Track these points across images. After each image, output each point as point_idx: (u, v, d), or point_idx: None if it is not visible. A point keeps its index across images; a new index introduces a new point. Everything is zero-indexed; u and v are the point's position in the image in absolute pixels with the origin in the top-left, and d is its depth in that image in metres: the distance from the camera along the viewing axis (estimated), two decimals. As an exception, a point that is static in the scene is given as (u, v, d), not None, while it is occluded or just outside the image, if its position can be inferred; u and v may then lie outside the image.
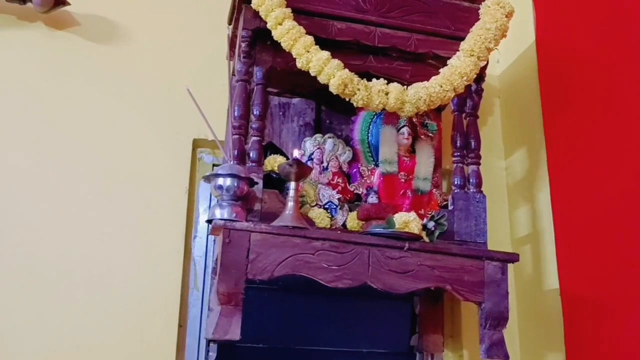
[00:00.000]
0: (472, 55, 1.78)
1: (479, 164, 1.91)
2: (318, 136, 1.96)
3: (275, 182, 1.77)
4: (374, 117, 1.96)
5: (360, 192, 1.90)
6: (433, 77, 1.77)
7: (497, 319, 1.70)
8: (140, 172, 2.07)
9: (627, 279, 1.74)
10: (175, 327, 1.98)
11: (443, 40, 1.87)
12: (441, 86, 1.75)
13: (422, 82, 1.77)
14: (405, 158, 1.94)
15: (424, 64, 1.91)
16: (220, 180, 1.65)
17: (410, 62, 1.91)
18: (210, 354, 1.94)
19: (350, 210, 1.85)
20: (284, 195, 1.71)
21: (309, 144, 1.94)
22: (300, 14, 1.75)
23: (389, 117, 1.93)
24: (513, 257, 1.76)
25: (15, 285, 1.90)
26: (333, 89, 1.69)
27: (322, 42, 1.74)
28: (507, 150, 2.40)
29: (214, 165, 2.18)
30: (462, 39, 1.83)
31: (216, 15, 2.15)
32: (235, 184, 1.65)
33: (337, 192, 1.87)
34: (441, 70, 1.79)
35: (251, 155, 1.74)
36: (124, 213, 2.02)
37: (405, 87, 1.75)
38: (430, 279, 1.68)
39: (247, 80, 1.79)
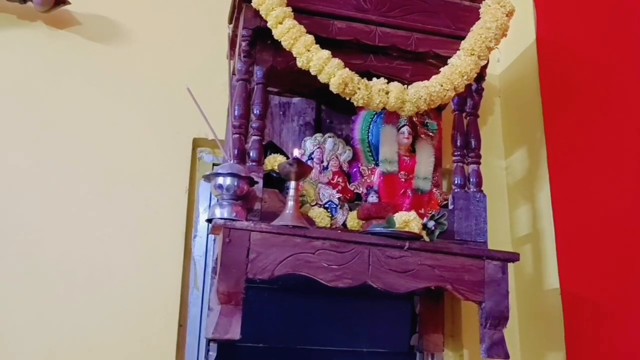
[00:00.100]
0: (473, 55, 1.78)
1: (479, 163, 1.91)
2: (318, 135, 1.96)
3: (276, 182, 1.77)
4: (374, 116, 1.96)
5: (360, 192, 1.90)
6: (433, 77, 1.77)
7: (497, 319, 1.70)
8: (140, 172, 2.07)
9: (628, 279, 1.74)
10: (175, 326, 1.97)
11: (443, 39, 1.87)
12: (441, 85, 1.74)
13: (422, 81, 1.77)
14: (405, 157, 1.93)
15: (425, 63, 1.91)
16: (221, 180, 1.65)
17: (410, 61, 1.91)
18: (211, 353, 1.93)
19: (351, 209, 1.85)
20: (284, 195, 1.71)
21: (309, 144, 1.94)
22: (300, 13, 1.75)
23: (389, 116, 1.92)
24: (513, 257, 1.76)
25: (15, 285, 1.90)
26: (333, 88, 1.69)
27: (323, 42, 1.73)
28: (507, 150, 2.39)
29: (214, 164, 2.18)
30: (463, 38, 1.83)
31: (216, 14, 2.15)
32: (236, 183, 1.65)
33: (337, 192, 1.87)
34: (441, 69, 1.79)
35: (251, 154, 1.74)
36: (123, 212, 2.02)
37: (405, 86, 1.75)
38: (430, 279, 1.68)
39: (247, 79, 1.79)
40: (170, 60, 2.20)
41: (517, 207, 2.28)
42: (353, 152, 1.96)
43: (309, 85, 1.82)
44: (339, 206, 1.84)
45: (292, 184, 1.67)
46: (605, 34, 1.93)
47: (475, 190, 1.88)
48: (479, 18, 1.85)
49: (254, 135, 1.76)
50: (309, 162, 1.89)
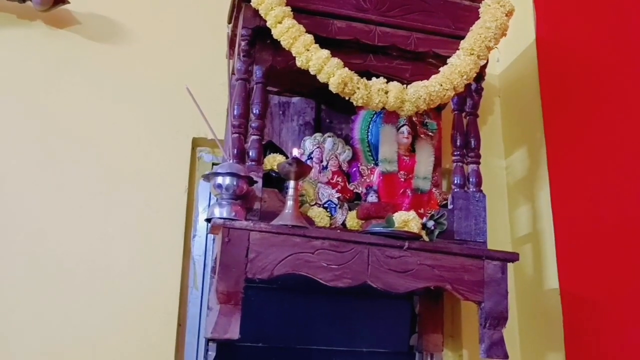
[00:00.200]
0: (472, 54, 1.78)
1: (478, 163, 1.91)
2: (318, 135, 1.96)
3: (275, 181, 1.77)
4: (373, 116, 1.96)
5: (359, 191, 1.90)
6: (433, 76, 1.77)
7: (496, 319, 1.70)
8: (139, 171, 2.07)
9: (627, 279, 1.74)
10: (174, 326, 1.97)
11: (443, 39, 1.87)
12: (441, 85, 1.74)
13: (421, 81, 1.77)
14: (405, 157, 1.93)
15: (424, 63, 1.91)
16: (220, 179, 1.65)
17: (410, 61, 1.90)
18: (210, 353, 1.94)
19: (350, 209, 1.85)
20: (284, 194, 1.71)
21: (309, 143, 1.94)
22: (300, 12, 1.75)
23: (388, 116, 1.92)
24: (513, 257, 1.76)
25: (15, 285, 1.90)
26: (333, 87, 1.68)
27: (322, 41, 1.73)
28: (507, 150, 2.39)
29: (213, 164, 2.18)
30: (463, 37, 1.83)
31: (216, 14, 2.15)
32: (235, 183, 1.65)
33: (337, 191, 1.87)
34: (441, 69, 1.79)
35: (251, 154, 1.74)
36: (123, 212, 2.02)
37: (405, 86, 1.75)
38: (430, 279, 1.68)
39: (246, 79, 1.79)
40: (169, 59, 2.19)
41: (517, 207, 2.28)
42: (352, 152, 1.96)
43: (308, 85, 1.82)
44: (339, 206, 1.84)
45: (292, 183, 1.67)
46: (605, 33, 1.93)
47: (474, 190, 1.88)
48: (478, 18, 1.85)
49: (254, 134, 1.75)
50: (309, 162, 1.89)
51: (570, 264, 1.97)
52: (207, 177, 1.70)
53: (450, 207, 1.86)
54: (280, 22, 1.68)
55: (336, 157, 1.93)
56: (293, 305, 2.07)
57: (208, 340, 1.95)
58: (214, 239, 1.93)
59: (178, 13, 2.26)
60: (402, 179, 1.90)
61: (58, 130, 2.05)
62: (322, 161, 1.92)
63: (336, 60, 1.68)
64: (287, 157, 1.83)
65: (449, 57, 1.81)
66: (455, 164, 1.91)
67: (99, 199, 2.02)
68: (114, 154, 2.07)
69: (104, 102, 2.11)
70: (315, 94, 2.01)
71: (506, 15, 1.83)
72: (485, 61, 1.83)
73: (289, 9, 1.71)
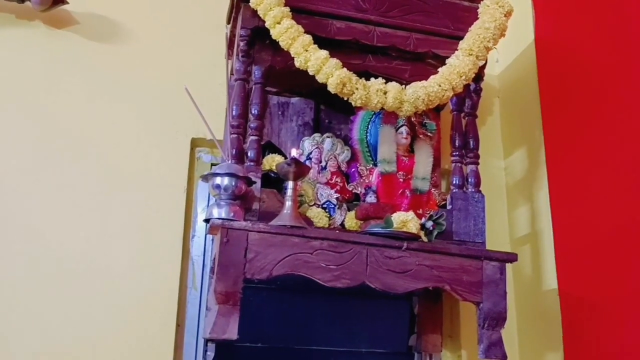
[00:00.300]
0: (471, 55, 1.78)
1: (477, 163, 1.91)
2: (317, 135, 1.96)
3: (274, 182, 1.77)
4: (372, 116, 1.96)
5: (358, 192, 1.90)
6: (432, 77, 1.77)
7: (495, 319, 1.70)
8: (138, 171, 2.07)
9: (626, 279, 1.74)
10: (173, 326, 1.97)
11: (442, 39, 1.87)
12: (440, 85, 1.74)
13: (420, 81, 1.77)
14: (404, 157, 1.93)
15: (423, 64, 1.91)
16: (218, 180, 1.65)
17: (409, 61, 1.90)
18: (208, 353, 1.94)
19: (349, 209, 1.85)
20: (283, 195, 1.70)
21: (308, 144, 1.94)
22: (299, 13, 1.75)
23: (387, 116, 1.92)
24: (511, 257, 1.76)
25: (14, 285, 1.90)
26: (331, 88, 1.68)
27: (322, 42, 1.73)
28: (506, 150, 2.39)
29: (212, 164, 2.18)
30: (462, 38, 1.83)
31: (215, 14, 2.15)
32: (233, 183, 1.64)
33: (336, 192, 1.87)
34: (440, 69, 1.79)
35: (249, 154, 1.74)
36: (122, 212, 2.02)
37: (403, 86, 1.75)
38: (428, 279, 1.68)
39: (245, 79, 1.79)
40: (168, 59, 2.19)
41: (516, 207, 2.28)
42: (351, 152, 1.96)
43: (307, 85, 1.82)
44: (337, 206, 1.84)
45: (290, 184, 1.67)
46: (604, 33, 1.92)
47: (473, 190, 1.88)
48: (477, 18, 1.85)
49: (252, 135, 1.75)
50: (308, 162, 1.89)
51: (569, 265, 1.97)
52: (205, 178, 1.70)
53: (449, 207, 1.86)
54: (279, 23, 1.68)
55: (335, 157, 1.93)
56: (292, 305, 2.07)
57: (207, 341, 1.95)
58: (212, 240, 1.93)
59: (177, 13, 2.26)
60: (401, 180, 1.90)
61: (57, 130, 2.05)
62: (321, 161, 1.92)
63: (335, 60, 1.68)
64: (286, 158, 1.83)
65: (448, 57, 1.82)
66: (454, 164, 1.91)
67: (98, 199, 2.02)
68: (113, 154, 2.07)
69: (103, 102, 2.11)
70: (314, 95, 2.01)
71: (505, 16, 1.83)
72: (484, 62, 1.83)
73: (287, 9, 1.71)
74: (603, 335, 1.81)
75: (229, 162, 1.71)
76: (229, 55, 1.98)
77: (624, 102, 1.81)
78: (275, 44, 1.72)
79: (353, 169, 1.93)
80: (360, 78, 1.72)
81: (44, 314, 1.89)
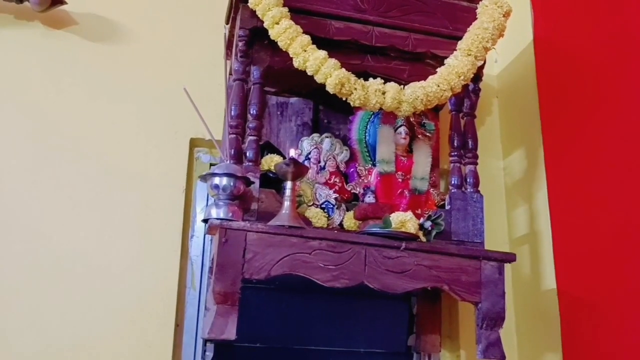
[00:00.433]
0: (470, 55, 1.78)
1: (476, 163, 1.91)
2: (315, 136, 1.96)
3: (273, 182, 1.77)
4: (371, 116, 1.96)
5: (357, 192, 1.90)
6: (430, 77, 1.77)
7: (493, 319, 1.70)
8: (137, 172, 2.07)
9: (624, 279, 1.74)
10: (172, 326, 1.97)
11: (441, 39, 1.87)
12: (438, 85, 1.74)
13: (419, 81, 1.77)
14: (402, 158, 1.93)
15: (422, 64, 1.91)
16: (217, 180, 1.65)
17: (408, 61, 1.91)
18: (207, 353, 1.94)
19: (347, 209, 1.85)
20: (281, 195, 1.70)
21: (307, 144, 1.94)
22: (297, 13, 1.75)
23: (386, 116, 1.92)
24: (510, 257, 1.76)
25: (12, 284, 1.90)
26: (330, 88, 1.68)
27: (320, 42, 1.73)
28: (505, 150, 2.39)
29: (211, 164, 2.18)
30: (460, 38, 1.83)
31: (213, 14, 2.15)
32: (232, 184, 1.65)
33: (334, 192, 1.87)
34: (438, 69, 1.79)
35: (248, 154, 1.74)
36: (121, 212, 2.02)
37: (402, 86, 1.75)
38: (427, 279, 1.68)
39: (244, 79, 1.78)
40: (167, 60, 2.19)
41: (515, 207, 2.28)
42: (350, 152, 1.96)
43: (306, 85, 1.82)
44: (336, 206, 1.84)
45: (289, 184, 1.67)
46: (603, 34, 1.93)
47: (472, 190, 1.88)
48: (476, 18, 1.85)
49: (251, 135, 1.75)
50: (306, 162, 1.89)
51: (568, 265, 1.97)
52: (204, 178, 1.70)
53: (447, 207, 1.86)
54: (277, 23, 1.69)
55: (334, 157, 1.93)
56: (290, 305, 2.07)
57: (205, 341, 1.95)
58: (211, 240, 1.93)
59: (175, 13, 2.26)
60: (400, 180, 1.91)
61: (56, 130, 2.05)
62: (319, 162, 1.92)
63: (333, 61, 1.69)
64: (284, 158, 1.83)
65: (446, 57, 1.82)
66: (452, 164, 1.91)
67: (96, 199, 2.02)
68: (112, 155, 2.07)
69: (102, 103, 2.11)
70: (313, 95, 2.01)
71: (503, 16, 1.83)
72: (482, 62, 1.83)
73: (286, 9, 1.71)
74: (602, 335, 1.81)
75: (228, 162, 1.71)
76: (228, 55, 1.98)
77: (623, 102, 1.81)
78: (274, 44, 1.72)
79: (352, 169, 1.93)
80: (359, 78, 1.72)
81: (43, 313, 1.89)
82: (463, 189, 1.89)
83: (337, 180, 1.90)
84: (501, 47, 1.94)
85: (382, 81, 1.74)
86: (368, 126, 1.96)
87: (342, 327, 2.10)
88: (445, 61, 1.80)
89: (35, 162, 2.01)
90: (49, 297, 1.91)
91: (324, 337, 2.08)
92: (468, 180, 1.89)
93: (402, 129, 1.94)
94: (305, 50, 1.68)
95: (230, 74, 1.93)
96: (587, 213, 1.91)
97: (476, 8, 1.87)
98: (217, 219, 1.61)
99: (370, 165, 1.93)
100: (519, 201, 2.26)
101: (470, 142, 1.92)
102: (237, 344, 1.84)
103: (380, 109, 1.74)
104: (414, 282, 1.67)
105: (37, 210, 1.97)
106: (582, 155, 1.96)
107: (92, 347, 1.90)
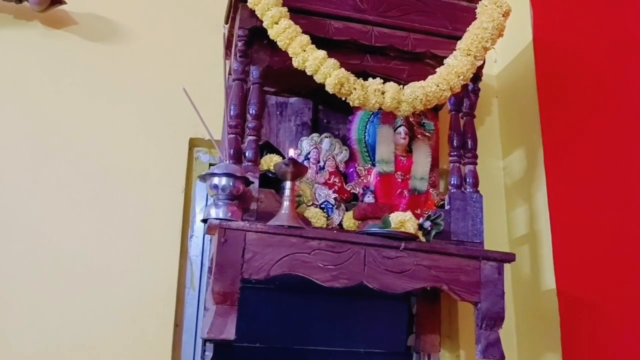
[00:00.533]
0: (469, 55, 1.78)
1: (475, 163, 1.91)
2: (315, 135, 1.96)
3: (272, 182, 1.77)
4: (371, 116, 1.96)
5: (357, 192, 1.90)
6: (429, 77, 1.77)
7: (493, 319, 1.70)
8: (137, 172, 2.07)
9: (624, 279, 1.74)
10: (171, 326, 1.97)
11: (440, 39, 1.87)
12: (437, 85, 1.74)
13: (418, 81, 1.77)
14: (402, 158, 1.93)
15: (422, 64, 1.91)
16: (216, 180, 1.65)
17: (407, 61, 1.91)
18: (207, 353, 1.94)
19: (347, 209, 1.85)
20: (280, 195, 1.70)
21: (306, 144, 1.94)
22: (297, 13, 1.75)
23: (386, 116, 1.92)
24: (509, 257, 1.76)
25: (12, 284, 1.90)
26: (329, 88, 1.68)
27: (320, 42, 1.73)
28: (504, 150, 2.39)
29: (210, 164, 2.18)
30: (460, 38, 1.83)
31: (213, 14, 2.15)
32: (231, 184, 1.64)
33: (334, 192, 1.87)
34: (438, 69, 1.79)
35: (247, 154, 1.74)
36: (120, 212, 2.02)
37: (401, 86, 1.75)
38: (426, 279, 1.68)
39: (243, 79, 1.78)
40: (167, 60, 2.19)
41: (514, 207, 2.28)
42: (350, 152, 1.96)
43: (306, 85, 1.82)
44: (335, 206, 1.84)
45: (288, 184, 1.67)
46: (603, 34, 1.93)
47: (471, 190, 1.88)
48: (475, 18, 1.85)
49: (250, 135, 1.75)
50: (306, 163, 1.89)
51: (567, 265, 1.97)
52: (203, 178, 1.70)
53: (447, 207, 1.86)
54: (276, 23, 1.69)
55: (333, 157, 1.93)
56: (290, 305, 2.07)
57: (205, 341, 1.95)
58: (210, 240, 1.93)
59: (175, 13, 2.26)
60: (399, 180, 1.90)
61: (55, 130, 2.05)
62: (319, 162, 1.92)
63: (332, 60, 1.69)
64: (284, 158, 1.83)
65: (446, 57, 1.82)
66: (452, 164, 1.91)
67: (96, 199, 2.02)
68: (111, 155, 2.07)
69: (102, 103, 2.11)
70: (312, 95, 2.01)
71: (503, 16, 1.83)
72: (482, 62, 1.83)
73: (285, 9, 1.71)
74: (601, 335, 1.81)
75: (227, 162, 1.71)
76: (227, 55, 1.98)
77: (622, 102, 1.81)
78: (273, 44, 1.72)
79: (351, 169, 1.93)
80: (358, 78, 1.72)
81: (42, 313, 1.89)
82: (462, 189, 1.88)
83: (337, 180, 1.90)
84: (501, 47, 1.94)
85: (382, 81, 1.74)
86: (367, 126, 1.96)
87: (341, 327, 2.10)
88: (445, 61, 1.80)
89: (35, 162, 2.01)
90: (49, 297, 1.91)
91: (324, 337, 2.08)
92: (467, 180, 1.89)
93: (402, 129, 1.94)
94: (304, 50, 1.68)
95: (230, 73, 1.93)
96: (586, 213, 1.91)
97: (476, 8, 1.87)
98: (217, 219, 1.61)
99: (369, 165, 1.93)
100: (519, 201, 2.26)
101: (469, 142, 1.92)
102: (236, 344, 1.84)
103: (380, 108, 1.74)
104: (413, 282, 1.67)
105: (37, 210, 1.97)
106: (582, 155, 1.96)
107: (91, 346, 1.90)
